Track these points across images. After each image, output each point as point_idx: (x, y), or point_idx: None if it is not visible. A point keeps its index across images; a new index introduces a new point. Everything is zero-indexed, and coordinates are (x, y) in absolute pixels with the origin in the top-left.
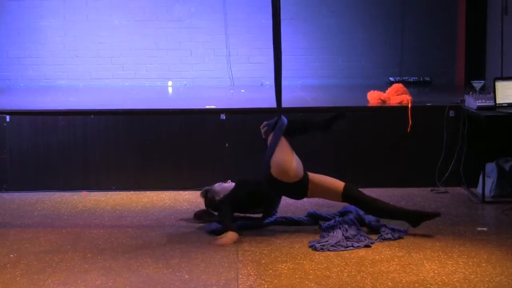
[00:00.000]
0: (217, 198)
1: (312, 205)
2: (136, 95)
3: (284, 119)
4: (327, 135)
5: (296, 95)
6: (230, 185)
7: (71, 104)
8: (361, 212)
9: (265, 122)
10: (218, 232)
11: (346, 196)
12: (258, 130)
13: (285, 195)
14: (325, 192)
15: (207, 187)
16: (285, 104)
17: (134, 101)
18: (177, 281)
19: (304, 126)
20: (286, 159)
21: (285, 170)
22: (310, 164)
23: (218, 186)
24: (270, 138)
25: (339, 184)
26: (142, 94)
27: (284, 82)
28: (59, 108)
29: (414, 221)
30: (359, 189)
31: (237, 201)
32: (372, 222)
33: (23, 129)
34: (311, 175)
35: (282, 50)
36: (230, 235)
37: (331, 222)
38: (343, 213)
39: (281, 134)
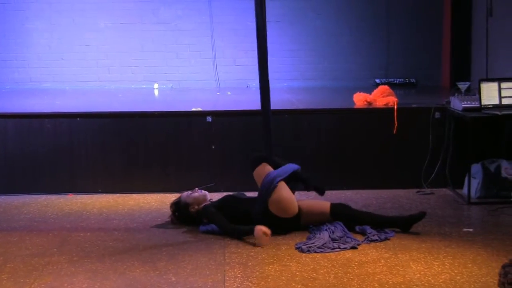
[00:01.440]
0: (192, 209)
1: None
2: (122, 97)
3: (294, 166)
4: (311, 137)
5: (282, 97)
6: (200, 193)
7: (57, 107)
8: None
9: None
10: (213, 233)
11: (334, 215)
12: (244, 132)
13: (279, 228)
14: (315, 217)
15: (174, 200)
16: (271, 106)
17: (120, 104)
18: (164, 283)
19: (303, 181)
20: (287, 198)
21: (285, 209)
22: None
23: (186, 197)
24: (260, 173)
25: (326, 206)
26: (128, 97)
27: (270, 84)
28: (45, 111)
29: (404, 227)
30: (346, 193)
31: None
32: (358, 225)
33: (8, 132)
34: (299, 204)
35: (268, 53)
36: (261, 233)
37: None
38: None
39: (286, 176)
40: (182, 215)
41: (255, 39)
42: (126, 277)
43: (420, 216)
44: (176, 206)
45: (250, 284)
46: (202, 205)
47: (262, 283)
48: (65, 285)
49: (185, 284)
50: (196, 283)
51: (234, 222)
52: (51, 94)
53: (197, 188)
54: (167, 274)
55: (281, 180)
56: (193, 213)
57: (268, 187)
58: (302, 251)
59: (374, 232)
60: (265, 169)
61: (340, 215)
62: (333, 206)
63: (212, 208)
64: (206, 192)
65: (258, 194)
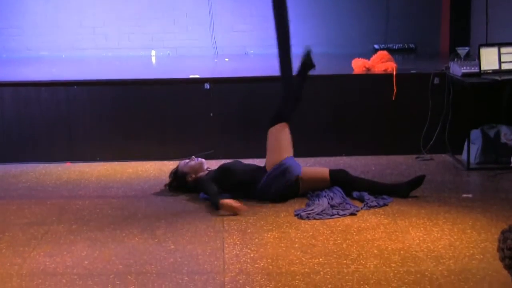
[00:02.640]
0: (189, 179)
1: None
2: (119, 65)
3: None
4: (310, 104)
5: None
6: (196, 162)
7: (54, 75)
8: None
9: None
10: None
11: (334, 181)
12: (242, 99)
13: (278, 196)
14: (314, 184)
15: (173, 170)
16: (269, 72)
17: (117, 71)
18: (162, 251)
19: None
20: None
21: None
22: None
23: (184, 165)
24: (277, 135)
25: (325, 172)
26: (125, 64)
27: (267, 50)
28: (42, 79)
29: (404, 193)
30: (344, 158)
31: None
32: (355, 191)
33: (5, 101)
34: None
35: (267, 18)
36: (229, 207)
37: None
38: None
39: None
40: (180, 184)
41: (254, 5)
42: (125, 245)
43: (419, 179)
44: (174, 176)
45: (249, 251)
46: (199, 174)
47: (261, 250)
48: (64, 253)
49: (184, 251)
50: (195, 250)
51: (232, 192)
52: (47, 62)
53: (193, 157)
54: (166, 242)
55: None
56: (191, 183)
57: (280, 176)
58: (301, 218)
59: (372, 198)
60: (282, 132)
61: (339, 181)
62: (332, 172)
63: (205, 179)
64: (203, 160)
65: (265, 167)
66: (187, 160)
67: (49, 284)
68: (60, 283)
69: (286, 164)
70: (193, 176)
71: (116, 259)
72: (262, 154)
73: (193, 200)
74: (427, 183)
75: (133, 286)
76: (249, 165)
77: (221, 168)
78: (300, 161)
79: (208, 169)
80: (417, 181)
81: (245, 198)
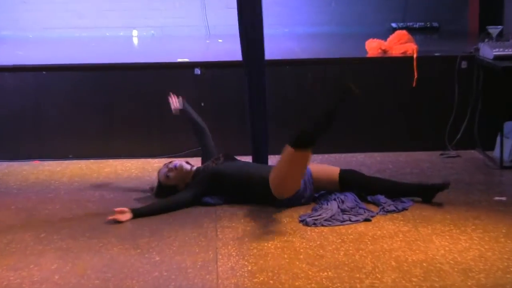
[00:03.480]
0: (180, 189)
1: None
2: (95, 47)
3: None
4: (317, 92)
5: (283, 45)
6: (177, 169)
7: (20, 58)
8: None
9: None
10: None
11: (343, 183)
12: (238, 86)
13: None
14: (321, 184)
15: (155, 185)
16: (270, 55)
17: (93, 55)
18: (146, 263)
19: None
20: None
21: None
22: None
23: (165, 179)
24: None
25: (334, 172)
26: (103, 46)
27: (268, 31)
28: (6, 63)
29: (426, 196)
30: (357, 157)
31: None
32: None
33: None
34: None
35: None
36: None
37: (325, 192)
38: None
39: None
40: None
41: None
42: (102, 256)
43: (443, 186)
44: (160, 190)
45: (246, 263)
46: (187, 181)
47: (261, 262)
48: (31, 266)
49: (171, 264)
50: (183, 262)
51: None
52: (12, 44)
53: (174, 162)
54: (150, 253)
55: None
56: (183, 188)
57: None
58: (307, 224)
59: (389, 201)
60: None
61: (350, 183)
62: (343, 172)
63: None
64: (181, 163)
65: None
66: (164, 170)
67: None
68: None
69: (300, 191)
70: (182, 186)
71: (91, 272)
72: None
73: None
74: (453, 183)
75: None
76: (242, 166)
77: (211, 172)
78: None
79: (193, 168)
80: (441, 187)
81: (243, 203)
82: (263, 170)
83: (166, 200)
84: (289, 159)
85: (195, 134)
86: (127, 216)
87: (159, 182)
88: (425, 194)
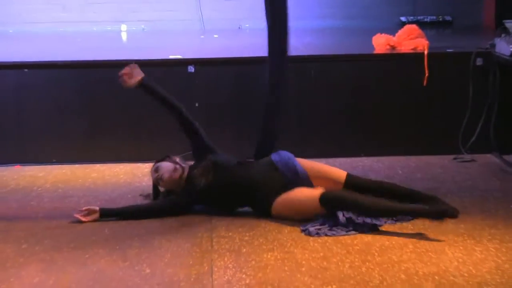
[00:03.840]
0: (177, 192)
1: None
2: (81, 42)
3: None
4: (321, 91)
5: None
6: (167, 173)
7: None
8: None
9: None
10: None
11: (326, 203)
12: (234, 85)
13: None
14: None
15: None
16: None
17: (78, 51)
18: (135, 276)
19: None
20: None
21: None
22: (300, 129)
23: (156, 179)
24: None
25: (340, 176)
26: (89, 42)
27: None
28: None
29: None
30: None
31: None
32: None
33: None
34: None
35: None
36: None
37: None
38: None
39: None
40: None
41: None
42: (88, 269)
43: (450, 213)
44: (157, 191)
45: (244, 276)
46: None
47: (259, 275)
48: (12, 279)
49: (163, 276)
50: (176, 275)
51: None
52: None
53: (160, 171)
54: (140, 265)
55: None
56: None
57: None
58: (309, 234)
59: None
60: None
61: (336, 204)
62: (349, 179)
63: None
64: (169, 174)
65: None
66: (154, 175)
67: None
68: None
69: None
70: (178, 189)
71: (76, 287)
72: None
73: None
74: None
75: None
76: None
77: (200, 190)
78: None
79: (184, 172)
80: (454, 213)
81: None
82: (268, 188)
83: (141, 205)
84: (308, 203)
85: (172, 116)
86: (94, 216)
87: (153, 184)
88: (433, 216)
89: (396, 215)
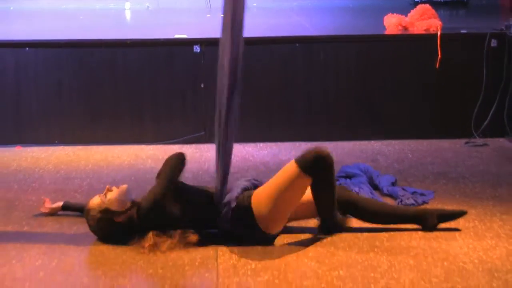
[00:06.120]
0: (118, 219)
1: None
2: (83, 21)
3: None
4: (330, 73)
5: (292, 20)
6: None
7: None
8: (375, 174)
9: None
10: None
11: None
12: (242, 65)
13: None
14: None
15: (87, 217)
16: (277, 32)
17: (81, 29)
18: (139, 259)
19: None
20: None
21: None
22: (308, 113)
23: (100, 203)
24: None
25: (290, 164)
26: (92, 20)
27: (274, 4)
28: None
29: (430, 224)
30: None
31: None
32: (386, 186)
33: None
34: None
35: None
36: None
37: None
38: (349, 176)
39: None
40: (112, 232)
41: None
42: (91, 252)
43: (457, 214)
44: (97, 224)
45: (249, 260)
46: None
47: (265, 259)
48: (13, 262)
49: (167, 261)
50: (180, 259)
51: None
52: None
53: (108, 186)
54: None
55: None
56: (123, 223)
57: None
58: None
59: (408, 194)
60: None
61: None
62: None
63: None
64: (122, 189)
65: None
66: (96, 199)
67: None
68: None
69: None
70: (124, 214)
71: (79, 269)
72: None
73: None
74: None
75: None
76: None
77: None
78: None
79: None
80: (455, 214)
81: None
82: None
83: None
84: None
85: None
86: (55, 207)
87: (88, 211)
88: (428, 221)
89: (398, 220)
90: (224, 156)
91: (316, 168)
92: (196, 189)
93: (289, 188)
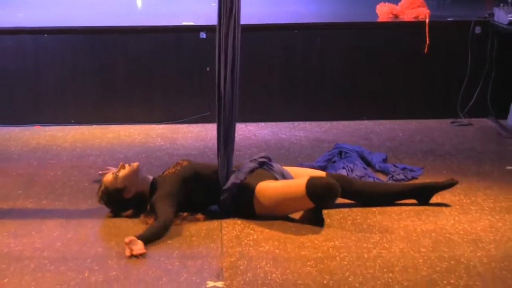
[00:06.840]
0: (127, 195)
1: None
2: (97, 9)
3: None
4: (324, 58)
5: (289, 8)
6: (127, 170)
7: (19, 20)
8: (366, 152)
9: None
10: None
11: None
12: (246, 50)
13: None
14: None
15: (101, 189)
16: (275, 19)
17: (95, 17)
18: None
19: None
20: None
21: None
22: (304, 95)
23: (112, 181)
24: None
25: (300, 184)
26: (105, 8)
27: None
28: (5, 25)
29: (424, 197)
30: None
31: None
32: (378, 162)
33: None
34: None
35: None
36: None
37: (334, 160)
38: (341, 152)
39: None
40: (119, 206)
41: None
42: (105, 224)
43: (448, 184)
44: (107, 197)
45: (251, 231)
46: (140, 189)
47: (266, 230)
48: (33, 233)
49: (175, 232)
50: (187, 230)
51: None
52: (11, 5)
53: (121, 163)
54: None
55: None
56: (131, 199)
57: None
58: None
59: (398, 170)
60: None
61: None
62: (311, 184)
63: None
64: (133, 167)
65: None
66: (111, 170)
67: (14, 270)
68: (27, 268)
69: None
70: (133, 190)
71: (94, 240)
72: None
73: None
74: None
75: (115, 273)
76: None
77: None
78: (314, 125)
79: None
80: (445, 185)
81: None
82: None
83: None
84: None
85: None
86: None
87: (103, 185)
88: (423, 194)
89: (394, 197)
90: (227, 142)
91: (321, 200)
92: (202, 176)
93: (292, 201)
